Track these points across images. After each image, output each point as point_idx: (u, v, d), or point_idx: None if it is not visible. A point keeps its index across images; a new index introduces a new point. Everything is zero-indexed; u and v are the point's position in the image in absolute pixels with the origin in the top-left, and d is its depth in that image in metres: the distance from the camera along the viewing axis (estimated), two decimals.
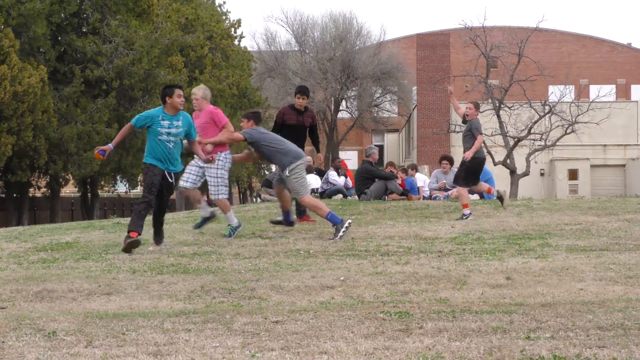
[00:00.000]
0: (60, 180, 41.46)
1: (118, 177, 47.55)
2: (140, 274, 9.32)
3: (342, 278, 8.71)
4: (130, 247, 10.91)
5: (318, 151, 14.82)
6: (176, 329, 6.02)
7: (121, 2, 38.11)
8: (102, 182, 47.71)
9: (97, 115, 35.94)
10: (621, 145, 48.47)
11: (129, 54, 36.34)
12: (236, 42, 51.80)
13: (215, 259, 10.39)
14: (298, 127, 14.14)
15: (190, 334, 5.83)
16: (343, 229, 12.15)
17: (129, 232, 10.95)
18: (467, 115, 15.69)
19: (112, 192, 55.64)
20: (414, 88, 55.41)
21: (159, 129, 11.34)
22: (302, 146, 14.09)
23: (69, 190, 58.92)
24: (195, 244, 11.80)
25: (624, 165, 48.37)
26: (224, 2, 54.53)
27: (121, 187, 54.22)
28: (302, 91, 14.26)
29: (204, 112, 13.07)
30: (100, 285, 8.50)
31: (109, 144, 11.30)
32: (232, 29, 51.64)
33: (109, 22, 36.93)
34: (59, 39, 37.90)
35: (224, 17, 53.03)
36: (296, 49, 60.75)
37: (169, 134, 11.37)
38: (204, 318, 6.39)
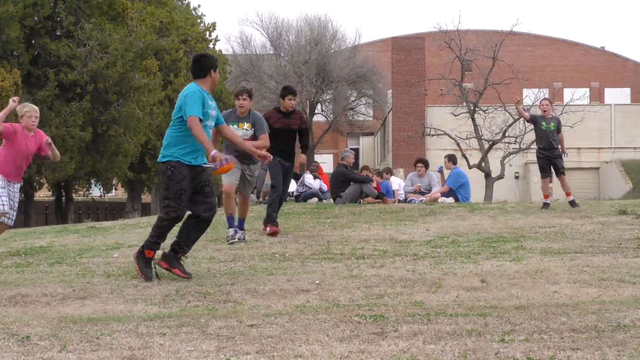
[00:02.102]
0: (34, 184, 41.24)
1: (92, 181, 47.34)
2: (114, 278, 9.28)
3: (317, 281, 8.72)
4: (146, 272, 8.91)
5: (304, 152, 14.13)
6: (151, 333, 6.00)
7: (95, 6, 37.96)
8: (77, 186, 47.47)
9: (72, 119, 35.77)
10: (595, 148, 48.75)
11: (103, 58, 36.18)
12: (211, 46, 51.70)
13: (190, 263, 10.35)
14: (285, 130, 13.27)
15: (165, 338, 5.81)
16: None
17: (143, 249, 9.01)
18: (546, 111, 17.10)
19: (87, 196, 55.37)
20: (389, 91, 55.51)
21: (209, 110, 9.11)
22: (292, 151, 13.54)
23: (43, 194, 58.66)
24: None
25: (597, 168, 48.64)
26: (199, 6, 54.48)
27: (96, 191, 53.97)
28: (292, 91, 13.45)
29: (38, 134, 11.42)
30: (74, 289, 8.46)
31: (218, 152, 8.82)
32: (207, 33, 51.54)
33: (83, 25, 36.77)
34: (33, 42, 37.69)
35: (198, 21, 52.94)
36: (271, 52, 60.73)
37: (212, 117, 9.23)
38: (178, 322, 6.37)
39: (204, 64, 9.29)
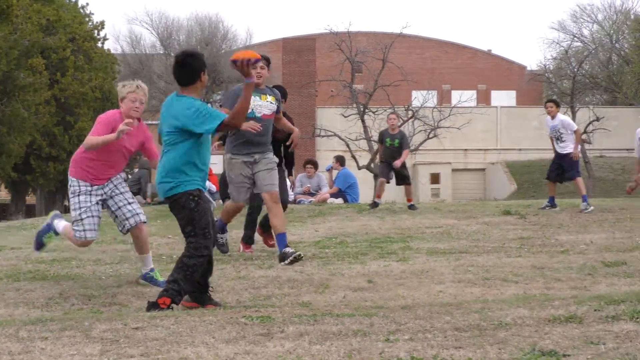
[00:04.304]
0: None
1: None
2: None
3: None
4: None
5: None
6: (32, 337, 5.87)
7: None
8: None
9: None
10: (481, 149, 49.64)
11: None
12: (99, 45, 50.96)
13: (75, 265, 10.19)
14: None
15: (47, 342, 5.69)
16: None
17: (157, 300, 7.17)
18: (392, 126, 17.49)
19: None
20: None
21: None
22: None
23: None
24: (54, 250, 11.54)
25: (484, 170, 49.53)
26: (87, 4, 53.51)
27: None
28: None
29: (141, 126, 8.84)
30: None
31: None
32: (96, 31, 50.79)
33: None
34: None
35: (87, 19, 52.08)
36: (161, 52, 60.15)
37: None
38: (61, 326, 6.24)
39: (193, 65, 7.58)
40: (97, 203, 8.72)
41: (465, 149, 49.02)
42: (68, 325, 6.23)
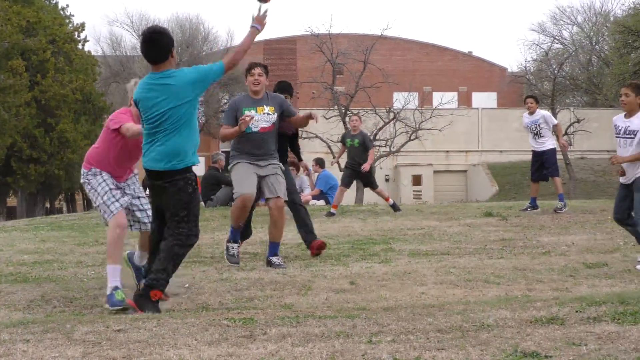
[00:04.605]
0: None
1: None
2: None
3: (186, 285, 8.66)
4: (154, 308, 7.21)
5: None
6: (14, 339, 5.84)
7: None
8: None
9: None
10: (463, 151, 49.76)
11: None
12: (80, 46, 50.80)
13: (57, 268, 10.15)
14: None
15: (29, 345, 5.67)
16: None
17: (148, 291, 7.27)
18: (354, 128, 17.38)
19: None
20: None
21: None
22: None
23: None
24: (36, 252, 11.51)
25: (465, 171, 49.65)
26: (67, 6, 53.44)
27: None
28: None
29: None
30: None
31: None
32: (76, 33, 50.64)
33: None
34: None
35: (67, 21, 51.91)
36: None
37: None
38: (43, 328, 6.22)
39: (161, 41, 7.47)
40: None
41: (447, 151, 49.14)
42: (50, 328, 6.21)
